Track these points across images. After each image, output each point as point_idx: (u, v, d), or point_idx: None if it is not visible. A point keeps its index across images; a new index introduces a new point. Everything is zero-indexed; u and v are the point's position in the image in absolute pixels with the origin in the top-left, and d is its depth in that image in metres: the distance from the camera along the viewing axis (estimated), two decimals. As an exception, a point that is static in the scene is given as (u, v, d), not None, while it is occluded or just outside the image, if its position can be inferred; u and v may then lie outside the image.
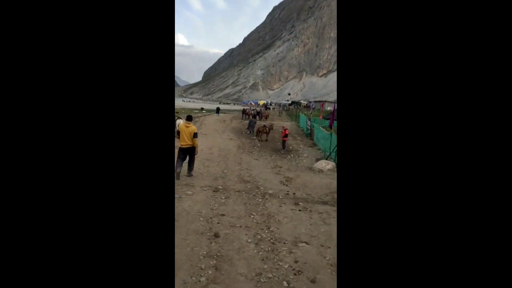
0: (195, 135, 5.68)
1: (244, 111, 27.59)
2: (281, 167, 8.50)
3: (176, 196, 4.65)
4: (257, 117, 26.39)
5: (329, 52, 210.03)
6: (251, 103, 30.22)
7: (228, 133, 15.39)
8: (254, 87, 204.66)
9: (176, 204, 4.31)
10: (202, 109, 37.97)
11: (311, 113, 20.26)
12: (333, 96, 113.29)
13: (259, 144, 13.11)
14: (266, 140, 14.35)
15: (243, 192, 5.56)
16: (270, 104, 30.77)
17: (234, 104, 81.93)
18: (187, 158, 5.92)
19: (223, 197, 5.14)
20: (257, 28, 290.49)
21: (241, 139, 14.29)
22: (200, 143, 6.63)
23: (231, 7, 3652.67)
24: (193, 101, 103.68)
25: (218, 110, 31.74)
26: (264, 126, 14.41)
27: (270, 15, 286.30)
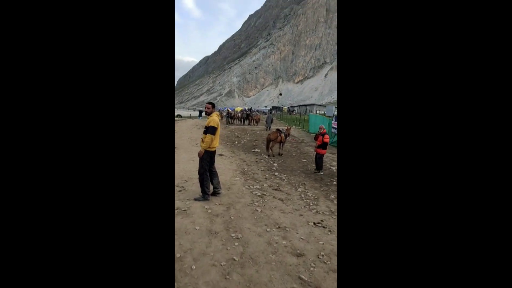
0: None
1: (229, 114, 21.37)
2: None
3: None
4: (246, 121, 20.51)
5: (305, 59, 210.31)
6: (227, 110, 24.62)
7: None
8: (229, 94, 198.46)
9: None
10: (179, 115, 33.64)
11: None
12: (309, 102, 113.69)
13: (275, 164, 7.11)
14: (280, 154, 8.41)
15: None
16: (251, 110, 24.96)
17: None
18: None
19: None
20: (233, 36, 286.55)
21: (239, 154, 8.21)
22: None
23: (206, 16, 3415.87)
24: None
25: (200, 113, 26.86)
26: (278, 130, 8.42)
27: (246, 23, 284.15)
